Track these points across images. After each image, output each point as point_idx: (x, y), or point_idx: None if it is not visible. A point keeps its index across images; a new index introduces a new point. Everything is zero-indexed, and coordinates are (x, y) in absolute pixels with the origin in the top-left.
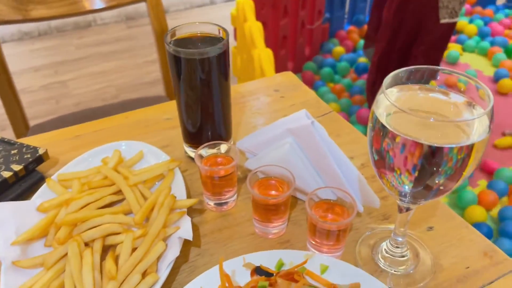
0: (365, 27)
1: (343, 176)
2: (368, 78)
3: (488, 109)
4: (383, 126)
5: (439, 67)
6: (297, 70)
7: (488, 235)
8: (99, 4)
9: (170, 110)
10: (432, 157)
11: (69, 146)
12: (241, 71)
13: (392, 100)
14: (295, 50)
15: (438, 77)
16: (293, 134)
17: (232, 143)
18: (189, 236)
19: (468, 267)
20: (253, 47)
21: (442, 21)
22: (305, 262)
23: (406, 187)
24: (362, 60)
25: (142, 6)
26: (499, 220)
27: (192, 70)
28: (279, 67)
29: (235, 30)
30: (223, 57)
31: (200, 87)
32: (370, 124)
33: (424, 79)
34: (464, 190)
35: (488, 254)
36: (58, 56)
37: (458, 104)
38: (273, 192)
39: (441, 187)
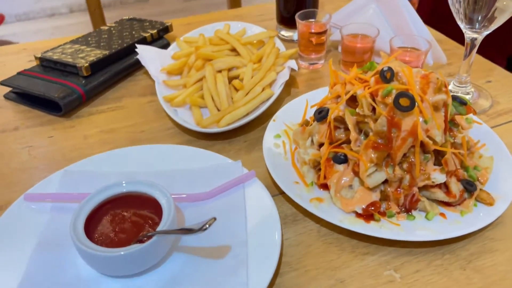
0: None
1: (418, 35)
2: None
3: None
4: None
5: None
6: None
7: None
8: None
9: (260, 9)
10: None
11: (184, 29)
12: None
13: None
14: None
15: None
16: (376, 0)
17: None
18: (295, 66)
19: None
20: None
21: None
22: None
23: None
24: None
25: None
26: None
27: None
28: None
29: None
30: None
31: None
32: None
33: None
34: None
35: None
36: None
37: None
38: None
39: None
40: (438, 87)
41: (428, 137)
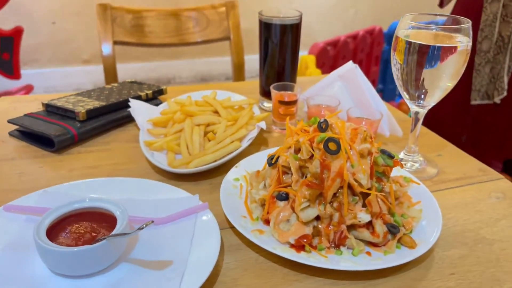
0: None
1: (376, 109)
2: None
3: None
4: (401, 40)
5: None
6: None
7: None
8: (195, 38)
9: (249, 84)
10: (430, 56)
11: (176, 95)
12: None
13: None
14: None
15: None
16: (341, 78)
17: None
18: (264, 126)
19: (465, 174)
20: (306, 69)
21: (473, 102)
22: None
23: (416, 88)
24: None
25: (215, 70)
26: None
27: (281, 32)
28: None
29: None
30: (299, 26)
31: (280, 47)
32: (393, 46)
33: None
34: None
35: (482, 170)
36: None
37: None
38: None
39: (436, 82)
40: (364, 138)
41: (355, 180)
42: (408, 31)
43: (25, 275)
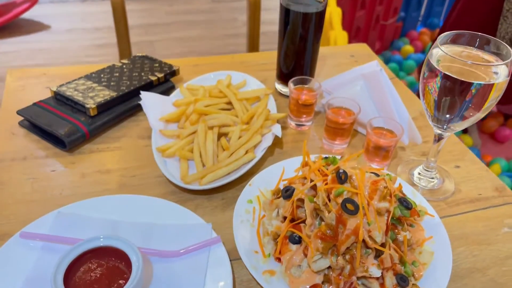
0: (438, 30)
1: (397, 114)
2: None
3: (508, 61)
4: (435, 69)
5: (479, 34)
6: None
7: None
8: None
9: (265, 57)
10: (462, 90)
11: (191, 71)
12: None
13: (445, 51)
14: (366, 42)
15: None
16: (365, 78)
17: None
18: (279, 133)
19: (480, 194)
20: (331, 29)
21: None
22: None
23: (443, 115)
24: None
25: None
26: None
27: (300, 20)
28: None
29: None
30: (323, 14)
31: (300, 36)
32: (423, 70)
33: (465, 42)
34: None
35: (499, 189)
36: (149, 19)
37: (488, 57)
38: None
39: (465, 114)
40: (383, 196)
41: (369, 236)
42: (441, 56)
43: None
